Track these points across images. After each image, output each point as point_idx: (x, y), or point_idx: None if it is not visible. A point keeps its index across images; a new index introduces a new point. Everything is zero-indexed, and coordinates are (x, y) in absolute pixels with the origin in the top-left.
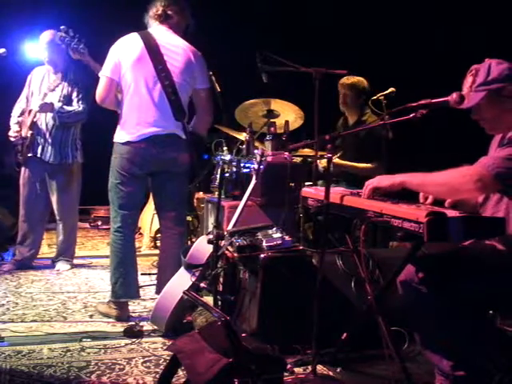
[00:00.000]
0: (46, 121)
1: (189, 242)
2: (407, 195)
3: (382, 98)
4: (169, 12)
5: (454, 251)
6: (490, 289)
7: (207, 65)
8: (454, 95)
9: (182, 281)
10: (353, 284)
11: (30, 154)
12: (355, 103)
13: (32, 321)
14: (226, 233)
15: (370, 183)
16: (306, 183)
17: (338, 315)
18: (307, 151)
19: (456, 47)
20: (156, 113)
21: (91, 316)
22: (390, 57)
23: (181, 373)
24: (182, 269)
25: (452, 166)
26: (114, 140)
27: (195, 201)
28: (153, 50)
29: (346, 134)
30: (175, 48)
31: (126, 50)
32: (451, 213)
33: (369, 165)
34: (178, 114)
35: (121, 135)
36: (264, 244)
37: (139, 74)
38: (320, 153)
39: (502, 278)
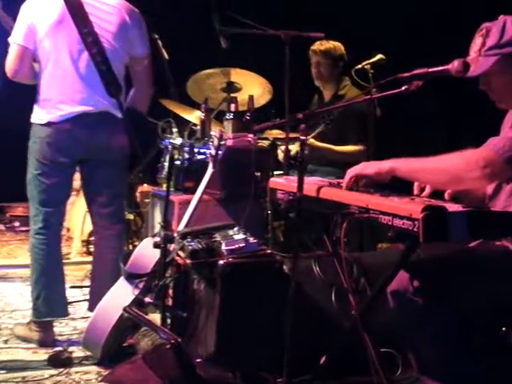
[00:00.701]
0: None
1: (130, 247)
2: (399, 186)
3: (368, 66)
4: None
5: (457, 254)
6: (503, 300)
7: (149, 26)
8: (456, 63)
9: (121, 295)
10: (333, 296)
11: None
12: (331, 74)
13: None
14: (176, 234)
15: (353, 171)
16: (275, 172)
17: (315, 334)
18: (276, 133)
19: (459, 2)
20: (83, 88)
21: (6, 341)
22: (377, 16)
23: None
24: (122, 279)
25: (454, 149)
26: (32, 121)
27: (138, 195)
28: (75, 10)
29: (323, 112)
30: (105, 6)
31: (41, 11)
32: (453, 207)
33: (351, 148)
34: (111, 88)
35: (40, 115)
36: (223, 247)
37: (60, 41)
38: (292, 135)
39: None
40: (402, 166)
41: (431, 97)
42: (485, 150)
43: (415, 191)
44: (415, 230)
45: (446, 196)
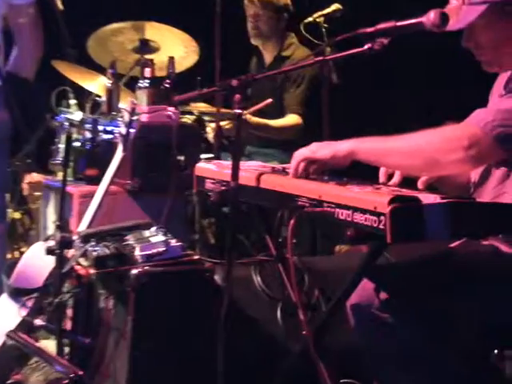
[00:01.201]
0: None
1: (16, 254)
2: (361, 172)
3: (321, 20)
4: None
5: (435, 258)
6: (492, 315)
7: None
8: (432, 14)
9: (4, 316)
10: (279, 312)
11: None
12: (273, 29)
13: None
14: (76, 237)
15: (301, 154)
16: (203, 156)
17: (256, 360)
18: (204, 106)
19: None
20: None
21: None
22: None
23: None
24: (5, 297)
25: (430, 126)
26: None
27: (25, 187)
28: None
29: (264, 78)
30: None
31: None
32: (428, 198)
33: (287, 121)
34: None
35: None
36: (138, 253)
37: None
38: (224, 109)
39: (510, 297)
40: (365, 147)
41: (401, 59)
42: (469, 125)
43: (381, 179)
44: (381, 227)
45: (420, 184)
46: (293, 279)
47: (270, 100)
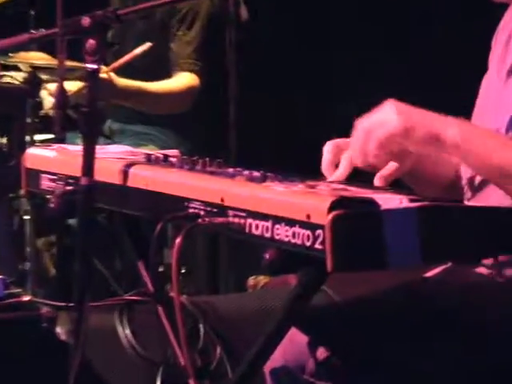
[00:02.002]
0: None
1: None
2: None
3: None
4: None
5: (401, 296)
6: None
7: None
8: None
9: None
10: (159, 382)
11: None
12: None
13: None
14: None
15: (387, 131)
16: (38, 137)
17: None
18: (39, 57)
19: None
20: None
21: None
22: None
23: None
24: None
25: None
26: None
27: None
28: None
29: (133, 15)
30: None
31: None
32: (391, 200)
33: (179, 83)
34: None
35: None
36: None
37: None
38: (69, 62)
39: None
40: (474, 144)
41: None
42: None
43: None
44: (317, 247)
45: (379, 180)
46: (181, 330)
47: (148, 44)
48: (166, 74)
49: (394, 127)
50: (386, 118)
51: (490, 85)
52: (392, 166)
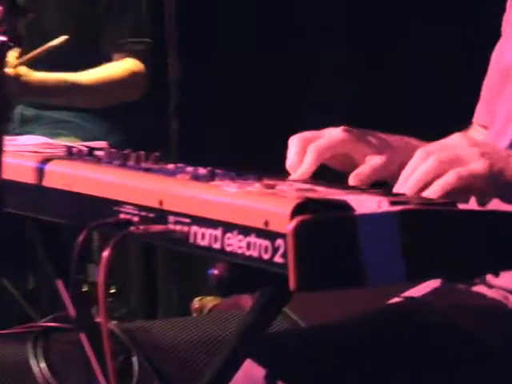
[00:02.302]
0: None
1: None
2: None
3: None
4: None
5: (383, 321)
6: None
7: None
8: None
9: None
10: None
11: None
12: None
13: None
14: None
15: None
16: None
17: None
18: None
19: None
20: None
21: None
22: None
23: None
24: None
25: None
26: None
27: None
28: None
29: None
30: None
31: None
32: (368, 201)
33: (137, 70)
34: None
35: None
36: None
37: None
38: None
39: None
40: None
41: None
42: None
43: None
44: (278, 261)
45: (354, 178)
46: (109, 363)
47: (64, 37)
48: (98, 58)
49: (479, 168)
50: (466, 154)
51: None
52: (375, 161)
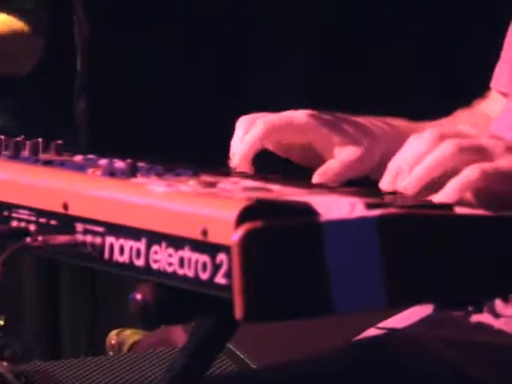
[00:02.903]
0: None
1: None
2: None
3: None
4: None
5: (358, 356)
6: None
7: None
8: None
9: None
10: None
11: None
12: None
13: None
14: None
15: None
16: None
17: None
18: None
19: None
20: None
21: None
22: None
23: None
24: None
25: None
26: None
27: None
28: None
29: None
30: None
31: None
32: (338, 204)
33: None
34: None
35: None
36: None
37: None
38: None
39: None
40: None
41: None
42: None
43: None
44: (220, 282)
45: (320, 175)
46: None
47: None
48: None
49: (508, 165)
50: (491, 145)
51: None
52: (347, 154)
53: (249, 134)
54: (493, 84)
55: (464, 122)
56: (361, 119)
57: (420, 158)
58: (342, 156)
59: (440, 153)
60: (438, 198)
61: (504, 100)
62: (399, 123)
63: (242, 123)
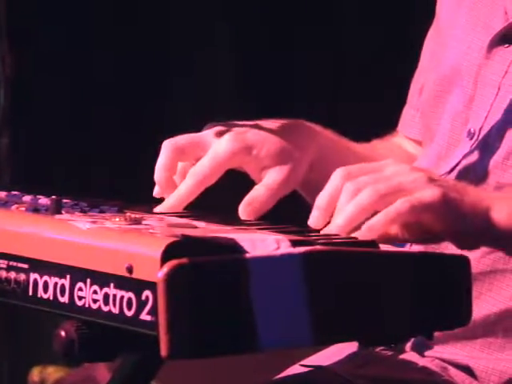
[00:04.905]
0: None
1: None
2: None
3: None
4: None
5: None
6: None
7: None
8: None
9: None
10: None
11: None
12: None
13: None
14: None
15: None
16: None
17: None
18: None
19: None
20: None
21: None
22: None
23: None
24: None
25: None
26: None
27: None
28: None
29: None
30: None
31: None
32: (263, 240)
33: None
34: None
35: None
36: None
37: None
38: None
39: None
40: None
41: None
42: None
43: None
44: (145, 319)
45: (246, 209)
46: None
47: None
48: None
49: (430, 196)
50: (410, 181)
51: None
52: (272, 178)
53: (179, 190)
54: (400, 128)
55: (382, 149)
56: (285, 127)
57: (339, 207)
58: (266, 181)
59: (359, 201)
60: (363, 231)
61: (418, 147)
62: (321, 129)
63: (165, 149)
